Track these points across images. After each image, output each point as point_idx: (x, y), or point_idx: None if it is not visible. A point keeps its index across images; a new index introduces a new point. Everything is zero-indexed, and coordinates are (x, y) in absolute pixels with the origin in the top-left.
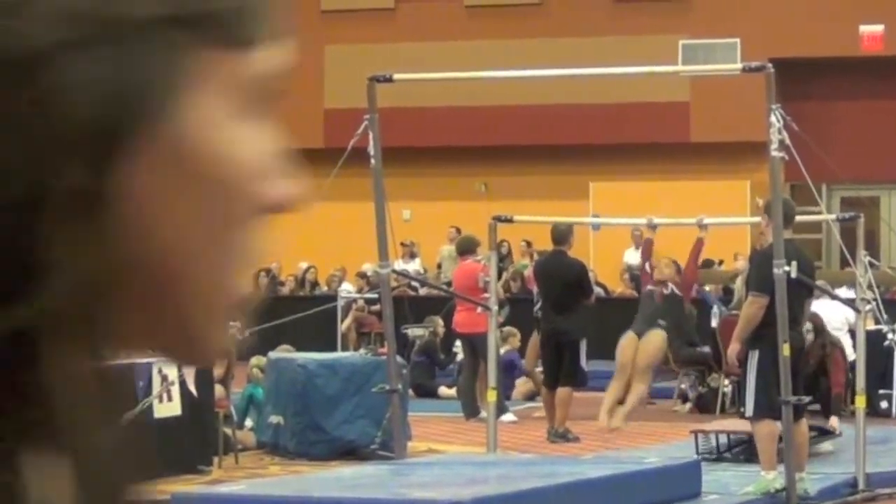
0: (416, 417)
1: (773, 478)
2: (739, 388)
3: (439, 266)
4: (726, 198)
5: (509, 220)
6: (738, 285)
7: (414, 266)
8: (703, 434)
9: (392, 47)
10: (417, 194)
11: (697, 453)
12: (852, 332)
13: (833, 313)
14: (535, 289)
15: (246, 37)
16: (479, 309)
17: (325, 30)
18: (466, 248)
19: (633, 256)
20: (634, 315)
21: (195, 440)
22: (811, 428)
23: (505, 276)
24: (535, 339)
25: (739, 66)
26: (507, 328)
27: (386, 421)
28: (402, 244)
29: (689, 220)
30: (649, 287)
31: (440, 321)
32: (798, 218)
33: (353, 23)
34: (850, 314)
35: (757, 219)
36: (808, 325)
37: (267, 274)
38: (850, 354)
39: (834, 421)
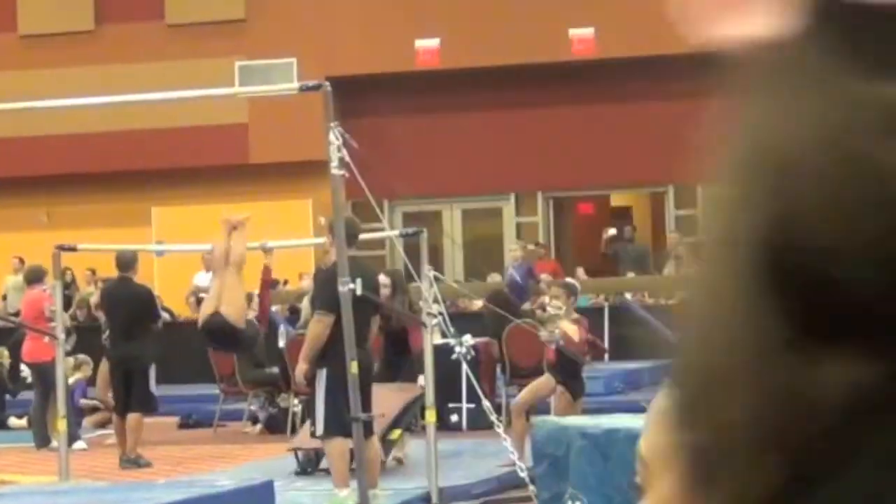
0: None
1: (346, 495)
2: (309, 406)
3: (4, 297)
4: (289, 218)
5: (73, 249)
6: (305, 305)
7: None
8: (301, 451)
9: None
10: None
11: (298, 470)
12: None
13: None
14: (102, 316)
15: None
16: (47, 338)
17: None
18: (34, 277)
19: (202, 279)
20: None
21: None
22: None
23: (73, 304)
24: (104, 366)
25: (296, 85)
26: (82, 356)
27: None
28: None
29: (253, 243)
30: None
31: (5, 352)
32: (362, 235)
33: None
34: None
35: (321, 238)
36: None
37: None
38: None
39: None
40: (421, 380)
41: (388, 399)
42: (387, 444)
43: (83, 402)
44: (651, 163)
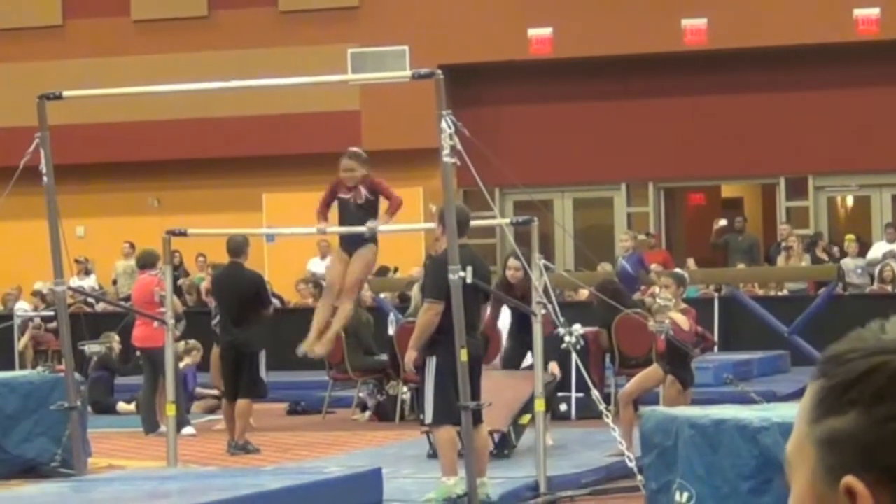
0: (95, 434)
1: (454, 483)
2: (418, 395)
3: (115, 282)
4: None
5: (183, 234)
6: (415, 292)
7: (89, 282)
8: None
9: (61, 64)
10: (91, 211)
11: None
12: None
13: (509, 318)
14: (212, 302)
15: None
16: (156, 323)
17: None
18: (145, 262)
19: (317, 265)
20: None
21: None
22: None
23: (182, 290)
24: (216, 352)
25: (409, 73)
26: (192, 342)
27: (66, 438)
28: (76, 261)
29: (360, 227)
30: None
31: (116, 337)
32: (473, 223)
33: (21, 40)
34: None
35: (431, 225)
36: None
37: None
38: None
39: (553, 366)
40: (552, 366)
41: (516, 385)
42: (518, 429)
43: (199, 389)
44: (762, 153)
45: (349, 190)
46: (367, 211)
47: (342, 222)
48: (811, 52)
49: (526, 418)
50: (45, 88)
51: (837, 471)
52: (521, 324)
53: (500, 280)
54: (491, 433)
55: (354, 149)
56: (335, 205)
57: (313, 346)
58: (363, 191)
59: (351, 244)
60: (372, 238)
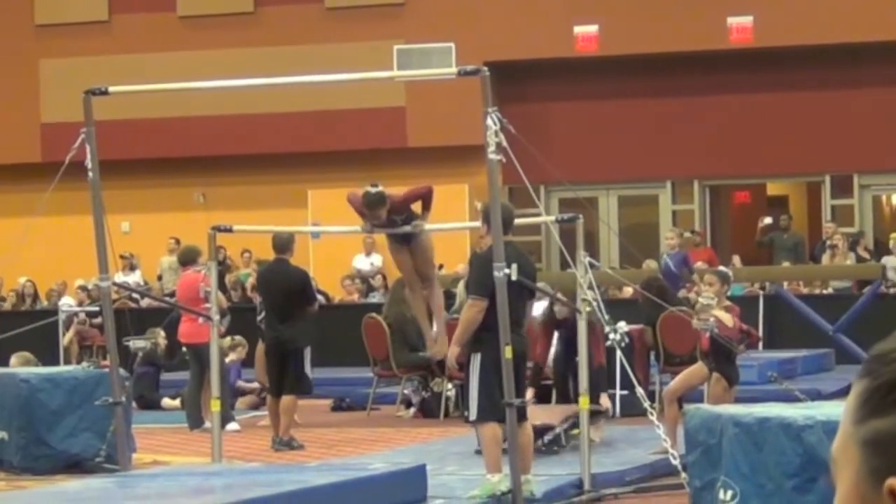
0: (140, 429)
1: (498, 480)
2: (462, 391)
3: (160, 277)
4: (445, 202)
5: (229, 230)
6: (460, 289)
7: (134, 278)
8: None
9: (107, 60)
10: (136, 206)
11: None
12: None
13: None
14: (257, 298)
15: None
16: (201, 319)
17: (40, 44)
18: (188, 258)
19: (363, 262)
20: (358, 319)
21: None
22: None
23: (227, 285)
24: (261, 348)
25: (454, 69)
26: (237, 337)
27: (110, 433)
28: (121, 256)
29: (406, 227)
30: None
31: (161, 332)
32: (518, 220)
33: (68, 36)
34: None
35: (476, 223)
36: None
37: None
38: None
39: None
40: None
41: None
42: (568, 436)
43: (244, 385)
44: (808, 152)
45: (383, 221)
46: (409, 222)
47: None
48: (857, 50)
49: (577, 431)
50: (90, 84)
51: (882, 472)
52: (568, 348)
53: (545, 313)
54: (542, 428)
55: (371, 193)
56: None
57: (432, 349)
58: (395, 217)
59: (402, 239)
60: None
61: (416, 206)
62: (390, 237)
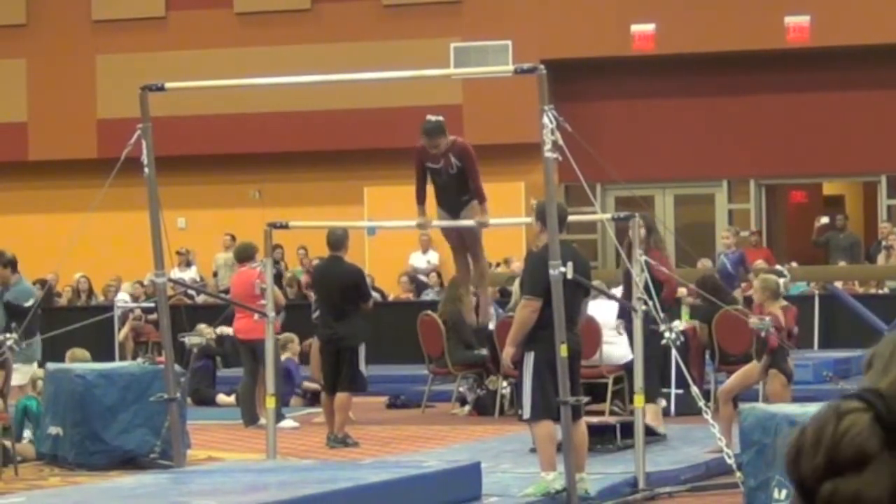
0: (195, 425)
1: (552, 478)
2: (517, 389)
3: (215, 274)
4: (501, 199)
5: (284, 227)
6: (515, 287)
7: (190, 274)
8: None
9: (164, 56)
10: (192, 202)
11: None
12: (628, 332)
13: (609, 313)
14: (312, 294)
15: None
16: (257, 316)
17: (97, 39)
18: (245, 255)
19: (419, 259)
20: (413, 317)
21: None
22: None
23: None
24: (316, 345)
25: (511, 67)
26: (286, 335)
27: (165, 429)
28: (177, 253)
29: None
30: None
31: (208, 329)
32: (573, 218)
33: (125, 32)
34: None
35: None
36: None
37: (43, 286)
38: (628, 355)
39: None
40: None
41: None
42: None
43: (309, 385)
44: (864, 151)
45: (437, 158)
46: (460, 179)
47: (438, 193)
48: None
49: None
50: (147, 80)
51: None
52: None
53: None
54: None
55: (431, 120)
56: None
57: (469, 314)
58: (452, 159)
59: (452, 210)
60: (472, 196)
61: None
62: (442, 206)
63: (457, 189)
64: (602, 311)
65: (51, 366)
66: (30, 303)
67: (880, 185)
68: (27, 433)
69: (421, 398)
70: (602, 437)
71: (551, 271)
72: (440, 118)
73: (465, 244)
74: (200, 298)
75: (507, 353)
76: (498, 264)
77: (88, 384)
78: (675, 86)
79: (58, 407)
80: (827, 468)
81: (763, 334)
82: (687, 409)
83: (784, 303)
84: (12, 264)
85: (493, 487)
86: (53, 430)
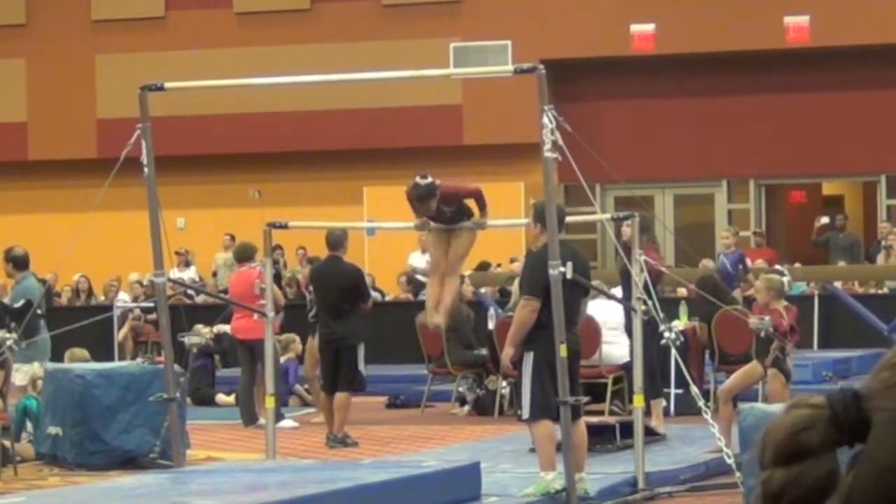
0: (194, 425)
1: (552, 478)
2: (516, 389)
3: (215, 274)
4: (500, 200)
5: (284, 227)
6: (515, 287)
7: (189, 274)
8: None
9: (163, 56)
10: (191, 202)
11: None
12: (628, 332)
13: (609, 313)
14: (308, 294)
15: None
16: (256, 315)
17: (96, 39)
18: (244, 255)
19: (418, 259)
20: (412, 317)
21: None
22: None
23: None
24: (311, 344)
25: (511, 67)
26: (288, 336)
27: (164, 429)
28: (176, 252)
29: (467, 223)
30: None
31: (205, 329)
32: (573, 218)
33: (124, 32)
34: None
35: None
36: None
37: (43, 285)
38: (627, 355)
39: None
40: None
41: None
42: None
43: (297, 387)
44: (864, 151)
45: (432, 212)
46: (455, 214)
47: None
48: None
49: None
50: (147, 80)
51: None
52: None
53: None
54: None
55: (421, 185)
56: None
57: (431, 317)
58: (444, 207)
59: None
60: (469, 216)
61: (470, 205)
62: (435, 224)
63: (453, 220)
64: (602, 310)
65: (50, 366)
66: (19, 304)
67: (880, 185)
68: (25, 433)
69: (420, 398)
70: (601, 437)
71: (551, 271)
72: (430, 181)
73: (447, 259)
74: (200, 298)
75: (507, 353)
76: (499, 265)
77: (88, 384)
78: (674, 86)
79: (57, 407)
80: (773, 460)
81: (763, 334)
82: (686, 408)
83: (785, 303)
84: (15, 261)
85: (492, 487)
86: (53, 430)
